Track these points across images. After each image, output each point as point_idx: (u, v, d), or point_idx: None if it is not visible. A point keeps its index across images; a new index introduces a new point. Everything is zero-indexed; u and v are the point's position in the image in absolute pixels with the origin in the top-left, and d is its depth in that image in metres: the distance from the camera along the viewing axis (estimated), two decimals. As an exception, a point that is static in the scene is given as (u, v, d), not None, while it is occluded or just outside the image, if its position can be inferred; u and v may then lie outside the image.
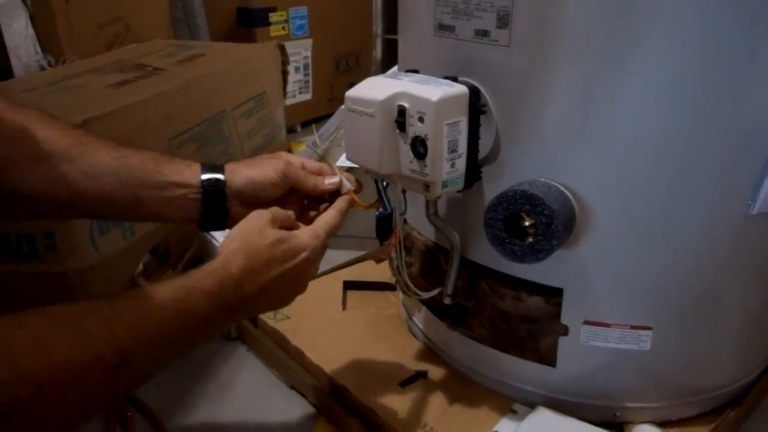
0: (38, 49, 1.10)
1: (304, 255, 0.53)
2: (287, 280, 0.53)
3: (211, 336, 0.51)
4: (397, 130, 0.53)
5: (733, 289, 0.60)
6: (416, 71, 0.58)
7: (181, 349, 0.48)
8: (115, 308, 0.43)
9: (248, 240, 0.52)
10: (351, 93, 0.55)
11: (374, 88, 0.54)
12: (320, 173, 0.62)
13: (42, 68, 1.10)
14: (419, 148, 0.52)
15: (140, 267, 0.79)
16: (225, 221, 0.59)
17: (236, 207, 0.59)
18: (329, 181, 0.61)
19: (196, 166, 0.59)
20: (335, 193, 0.61)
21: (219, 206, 0.58)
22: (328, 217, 0.58)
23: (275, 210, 0.55)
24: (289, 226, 0.56)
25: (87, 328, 0.40)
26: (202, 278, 0.49)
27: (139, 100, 0.80)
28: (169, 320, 0.45)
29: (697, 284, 0.59)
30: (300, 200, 0.63)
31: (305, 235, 0.55)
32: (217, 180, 0.58)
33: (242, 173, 0.59)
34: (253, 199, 0.59)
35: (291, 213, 0.57)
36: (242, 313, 0.52)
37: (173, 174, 0.57)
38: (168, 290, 0.47)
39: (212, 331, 0.50)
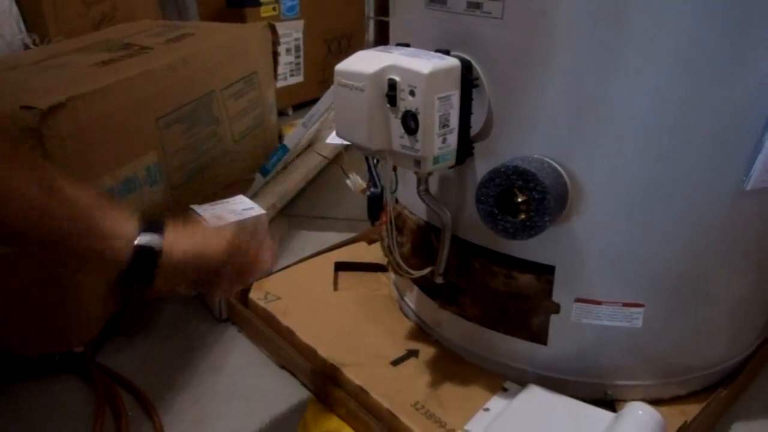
0: (22, 27, 1.07)
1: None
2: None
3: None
4: (388, 105, 0.53)
5: (725, 267, 0.60)
6: (407, 45, 0.57)
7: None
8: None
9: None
10: (341, 67, 0.54)
11: (364, 62, 0.53)
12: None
13: (26, 47, 1.08)
14: (410, 122, 0.52)
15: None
16: (146, 288, 0.52)
17: (171, 281, 0.52)
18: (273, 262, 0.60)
19: (134, 222, 0.50)
20: None
21: (144, 275, 0.50)
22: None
23: None
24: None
25: None
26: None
27: (124, 78, 0.78)
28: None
29: (690, 262, 0.58)
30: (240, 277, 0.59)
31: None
32: (152, 249, 0.50)
33: (182, 245, 0.52)
34: (191, 275, 0.53)
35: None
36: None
37: (105, 226, 0.49)
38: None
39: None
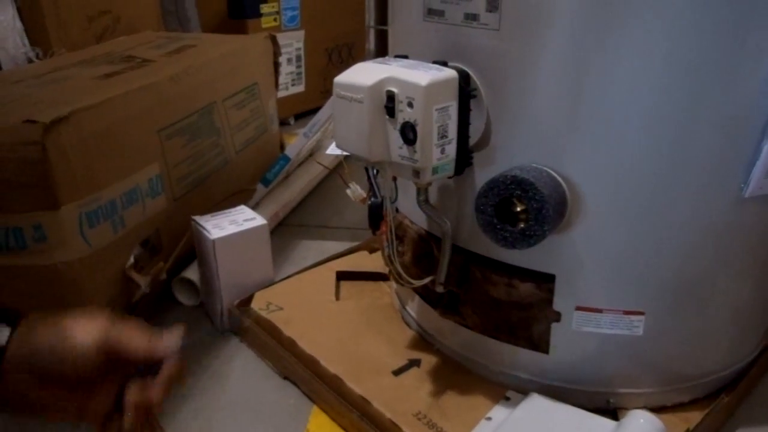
0: (26, 41, 1.08)
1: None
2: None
3: None
4: (387, 116, 0.53)
5: (725, 273, 0.60)
6: (405, 57, 0.58)
7: None
8: None
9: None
10: (339, 79, 0.54)
11: (363, 74, 0.53)
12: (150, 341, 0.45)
13: (30, 61, 1.09)
14: (409, 133, 0.52)
15: (131, 260, 0.79)
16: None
17: (23, 384, 0.41)
18: (168, 344, 0.45)
19: None
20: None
21: None
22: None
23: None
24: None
25: None
26: None
27: (127, 91, 0.79)
28: None
29: (690, 269, 0.59)
30: (124, 375, 0.45)
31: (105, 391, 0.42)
32: None
33: (38, 340, 0.42)
34: (46, 377, 0.42)
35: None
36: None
37: None
38: None
39: None
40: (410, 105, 0.51)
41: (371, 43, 1.95)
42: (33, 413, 0.43)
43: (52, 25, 1.14)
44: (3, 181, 0.65)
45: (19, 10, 1.09)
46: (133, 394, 0.44)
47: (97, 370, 0.43)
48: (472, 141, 0.57)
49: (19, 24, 1.08)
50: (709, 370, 0.66)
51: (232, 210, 0.86)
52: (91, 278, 0.73)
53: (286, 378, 0.75)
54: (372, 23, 1.91)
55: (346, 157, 0.61)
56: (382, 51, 1.95)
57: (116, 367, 0.44)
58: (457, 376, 0.68)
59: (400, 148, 0.53)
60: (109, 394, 0.44)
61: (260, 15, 1.50)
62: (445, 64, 0.55)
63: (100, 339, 0.42)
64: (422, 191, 0.59)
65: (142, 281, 0.79)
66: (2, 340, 0.41)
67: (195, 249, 0.86)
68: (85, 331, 0.42)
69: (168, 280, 0.86)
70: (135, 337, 0.43)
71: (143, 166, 0.81)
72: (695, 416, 0.64)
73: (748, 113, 0.52)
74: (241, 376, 0.76)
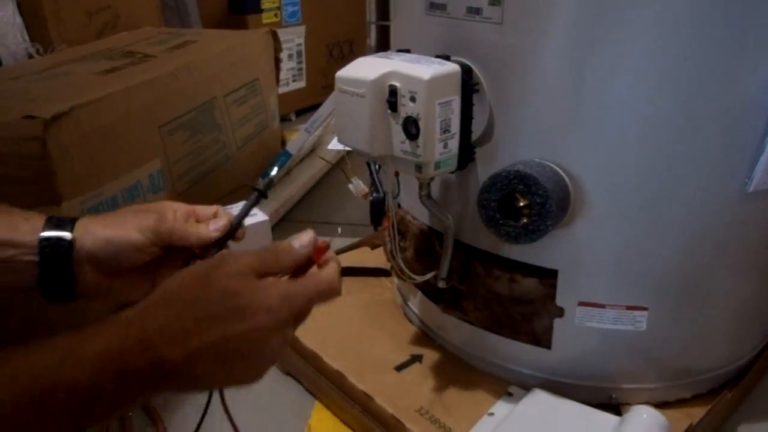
0: (26, 37, 1.08)
1: (263, 320, 0.38)
2: (234, 351, 0.38)
3: (119, 411, 0.38)
4: (389, 111, 0.53)
5: (728, 269, 0.60)
6: (407, 51, 0.58)
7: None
8: None
9: (188, 287, 0.39)
10: (341, 73, 0.54)
11: (365, 68, 0.53)
12: (206, 218, 0.50)
13: (30, 56, 1.09)
14: (411, 128, 0.52)
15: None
16: (73, 290, 0.46)
17: (90, 274, 0.46)
18: (214, 227, 0.49)
19: (38, 220, 0.46)
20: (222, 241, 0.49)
21: (62, 273, 0.45)
22: (318, 277, 0.42)
23: (244, 252, 0.41)
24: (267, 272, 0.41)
25: None
26: (92, 335, 0.36)
27: (127, 87, 0.79)
28: (20, 397, 0.33)
29: (693, 264, 0.58)
30: (187, 258, 0.50)
31: (274, 291, 0.39)
32: (60, 239, 0.45)
33: (97, 232, 0.46)
34: (112, 264, 0.47)
35: (270, 247, 0.42)
36: (161, 387, 0.37)
37: (3, 228, 0.45)
38: (37, 354, 0.35)
39: (117, 408, 0.37)
40: (413, 99, 0.51)
41: (372, 39, 1.95)
42: (109, 300, 0.48)
43: (52, 21, 1.13)
44: (4, 176, 0.65)
45: (19, 6, 1.08)
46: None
47: (152, 258, 0.47)
48: (475, 136, 0.57)
49: (19, 19, 1.07)
50: (712, 365, 0.66)
51: (234, 206, 0.85)
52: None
53: (287, 373, 0.74)
54: (373, 19, 1.90)
55: (348, 152, 0.60)
56: (383, 46, 1.94)
57: (173, 255, 0.48)
58: (459, 371, 0.68)
59: (403, 142, 0.53)
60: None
61: (261, 10, 1.50)
62: (447, 58, 0.54)
63: (151, 232, 0.46)
64: (424, 186, 0.59)
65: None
66: (69, 236, 0.45)
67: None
68: (137, 226, 0.46)
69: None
70: (185, 227, 0.47)
71: (144, 161, 0.81)
72: (698, 412, 0.64)
73: (750, 108, 0.52)
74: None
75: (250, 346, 0.38)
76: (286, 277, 0.42)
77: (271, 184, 0.52)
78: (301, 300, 0.41)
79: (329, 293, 0.42)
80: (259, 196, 0.52)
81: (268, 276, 0.40)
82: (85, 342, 0.36)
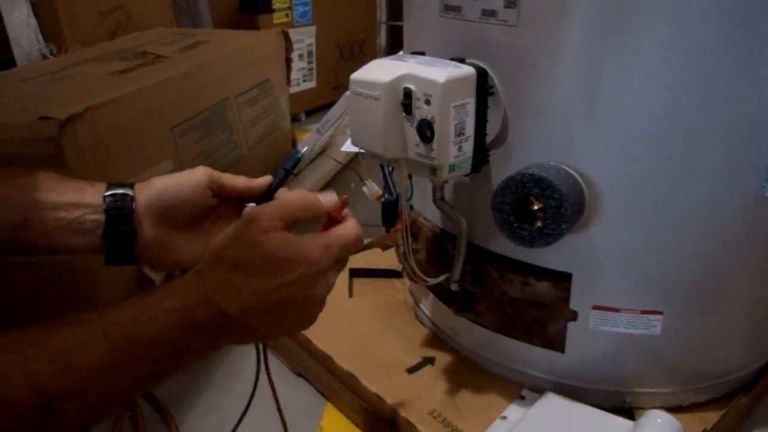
0: (40, 38, 1.09)
1: (304, 270, 0.42)
2: (284, 300, 0.42)
3: (188, 363, 0.41)
4: (403, 113, 0.53)
5: (744, 273, 0.59)
6: (422, 53, 0.57)
7: (142, 383, 0.40)
8: (39, 339, 0.36)
9: (229, 248, 0.42)
10: (356, 76, 0.54)
11: (379, 71, 0.53)
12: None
13: (44, 57, 1.10)
14: (426, 131, 0.52)
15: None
16: (133, 249, 0.49)
17: (149, 228, 0.49)
18: (260, 182, 0.53)
19: (101, 185, 0.49)
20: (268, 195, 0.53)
21: (124, 226, 0.48)
22: (345, 228, 0.46)
23: (269, 204, 0.45)
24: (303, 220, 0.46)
25: None
26: (163, 295, 0.41)
27: (141, 87, 0.79)
28: (111, 350, 0.37)
29: (708, 268, 0.58)
30: (234, 209, 0.53)
31: (310, 244, 0.43)
32: (124, 195, 0.48)
33: (155, 183, 0.50)
34: (172, 213, 0.50)
35: (295, 196, 0.47)
36: (224, 338, 0.42)
37: (71, 192, 0.48)
38: (117, 312, 0.39)
39: (186, 359, 0.41)
40: (427, 102, 0.51)
41: (383, 39, 1.95)
42: (168, 258, 0.50)
43: (66, 21, 1.14)
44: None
45: (33, 7, 1.09)
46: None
47: (207, 203, 0.51)
48: (489, 138, 0.57)
49: (33, 20, 1.08)
50: (726, 370, 0.65)
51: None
52: (104, 274, 0.73)
53: (299, 375, 0.75)
54: (383, 19, 1.90)
55: (361, 153, 0.60)
56: (393, 46, 1.94)
57: (224, 204, 0.52)
58: (471, 374, 0.68)
59: (417, 145, 0.53)
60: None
61: (272, 10, 1.50)
62: (462, 60, 0.54)
63: (204, 176, 0.50)
64: (438, 189, 0.59)
65: (156, 277, 0.79)
66: (131, 192, 0.49)
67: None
68: (192, 173, 0.50)
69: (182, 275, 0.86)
70: (233, 177, 0.52)
71: (157, 162, 0.81)
72: (712, 416, 0.63)
73: (767, 111, 0.51)
74: (254, 373, 0.76)
75: (297, 294, 0.42)
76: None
77: (299, 161, 0.56)
78: (337, 248, 0.45)
79: (358, 243, 0.47)
80: (287, 173, 0.55)
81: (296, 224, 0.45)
82: (157, 302, 0.40)
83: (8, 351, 0.34)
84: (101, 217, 0.48)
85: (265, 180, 0.53)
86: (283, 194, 0.52)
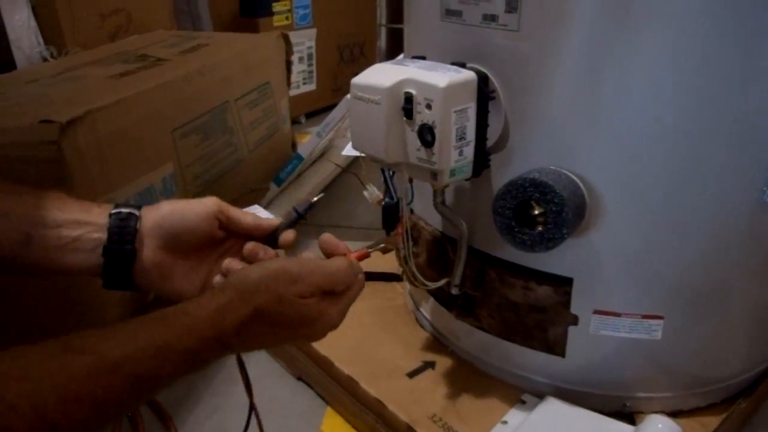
0: (40, 40, 1.09)
1: (320, 327, 0.47)
2: (291, 342, 0.48)
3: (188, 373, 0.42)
4: (404, 118, 0.53)
5: (745, 278, 0.59)
6: (423, 58, 0.57)
7: (133, 407, 0.42)
8: (51, 370, 0.36)
9: (262, 296, 0.43)
10: (357, 80, 0.54)
11: (380, 75, 0.53)
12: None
13: (44, 60, 1.10)
14: (427, 135, 0.52)
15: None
16: (131, 272, 0.48)
17: (151, 250, 0.48)
18: (268, 223, 0.53)
19: (109, 205, 0.49)
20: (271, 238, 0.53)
21: (126, 245, 0.47)
22: (358, 287, 0.50)
23: (315, 272, 0.46)
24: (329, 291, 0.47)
25: (6, 397, 0.33)
26: (181, 333, 0.41)
27: (142, 90, 0.79)
28: (120, 387, 0.38)
29: (709, 273, 0.58)
30: (239, 247, 0.52)
31: (334, 311, 0.47)
32: (129, 214, 0.48)
33: (163, 206, 0.50)
34: (176, 238, 0.49)
35: (338, 268, 0.47)
36: (230, 352, 0.45)
37: (76, 211, 0.47)
38: (130, 345, 0.39)
39: (175, 381, 0.42)
40: (428, 107, 0.51)
41: (383, 42, 1.95)
42: (166, 286, 0.50)
43: (66, 24, 1.14)
44: (19, 180, 0.65)
45: (34, 9, 1.09)
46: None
47: (213, 233, 0.50)
48: (490, 143, 0.57)
49: (33, 23, 1.08)
50: (726, 374, 0.65)
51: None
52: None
53: (299, 379, 0.74)
54: (384, 22, 1.90)
55: (362, 157, 0.60)
56: (393, 49, 1.95)
57: (229, 240, 0.52)
58: (472, 378, 0.68)
59: (418, 150, 0.53)
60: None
61: (272, 13, 1.50)
62: (463, 65, 0.54)
63: (214, 205, 0.50)
64: (439, 193, 0.59)
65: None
66: (137, 212, 0.48)
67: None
68: (201, 201, 0.50)
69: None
70: (242, 212, 0.52)
71: (157, 165, 0.81)
72: (712, 421, 0.63)
73: (767, 117, 0.51)
74: (254, 377, 0.75)
75: (307, 338, 0.48)
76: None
77: (311, 207, 0.55)
78: (348, 306, 0.49)
79: (359, 290, 0.50)
80: (298, 217, 0.54)
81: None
82: (176, 340, 0.40)
83: (21, 379, 0.35)
84: (104, 235, 0.47)
85: (274, 222, 0.53)
86: (329, 264, 0.49)
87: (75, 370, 0.37)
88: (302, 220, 0.54)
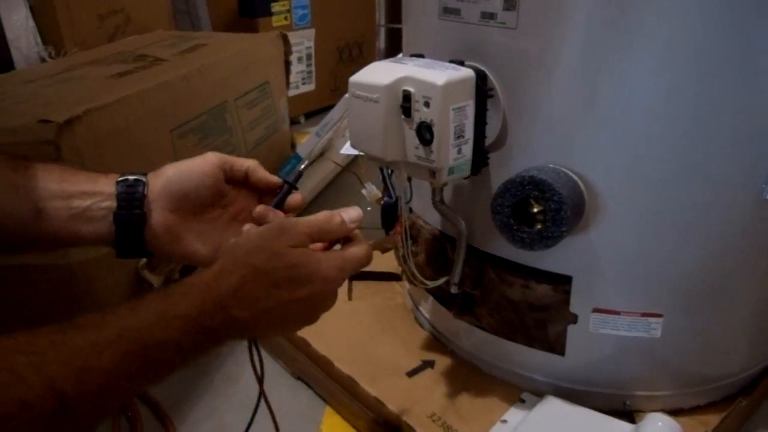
0: (39, 40, 1.09)
1: (320, 287, 0.44)
2: (293, 310, 0.44)
3: (187, 363, 0.42)
4: (403, 116, 0.52)
5: (744, 276, 0.59)
6: (421, 56, 0.57)
7: (146, 383, 0.41)
8: (55, 341, 0.36)
9: (254, 255, 0.43)
10: (355, 78, 0.54)
11: (379, 73, 0.53)
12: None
13: (43, 60, 1.10)
14: (425, 133, 0.51)
15: (144, 259, 0.78)
16: (143, 237, 0.49)
17: (160, 214, 0.49)
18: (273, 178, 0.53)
19: (115, 175, 0.49)
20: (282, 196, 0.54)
21: (135, 210, 0.48)
22: (359, 250, 0.48)
23: (301, 221, 0.46)
24: (316, 241, 0.47)
25: (15, 369, 0.34)
26: (179, 299, 0.41)
27: (140, 90, 0.79)
28: (125, 354, 0.38)
29: (709, 271, 0.58)
30: (248, 201, 0.53)
31: (329, 264, 0.45)
32: (136, 180, 0.49)
33: (167, 169, 0.50)
34: (184, 197, 0.49)
35: (324, 218, 0.47)
36: (229, 338, 0.44)
37: (84, 182, 0.48)
38: (131, 315, 0.40)
39: (188, 359, 0.42)
40: (427, 105, 0.51)
41: (382, 42, 1.95)
42: (179, 249, 0.50)
43: (65, 24, 1.14)
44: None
45: (32, 9, 1.09)
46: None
47: (219, 187, 0.51)
48: (489, 141, 0.57)
49: (31, 23, 1.08)
50: (726, 372, 0.65)
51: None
52: (104, 277, 0.73)
53: (299, 378, 0.74)
54: (383, 21, 1.91)
55: (361, 156, 0.60)
56: (392, 49, 1.95)
57: (238, 200, 0.53)
58: (471, 377, 0.68)
59: (416, 148, 0.53)
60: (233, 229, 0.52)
61: (271, 13, 1.50)
62: (461, 63, 0.54)
63: (216, 158, 0.50)
64: (438, 192, 0.58)
65: (155, 281, 0.79)
66: (143, 178, 0.49)
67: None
68: (203, 157, 0.50)
69: (181, 279, 0.86)
70: (243, 159, 0.52)
71: (156, 165, 0.81)
72: (712, 419, 0.63)
73: (767, 114, 0.51)
74: (253, 376, 0.76)
75: (308, 307, 0.46)
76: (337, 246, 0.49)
77: (300, 175, 0.55)
78: (351, 270, 0.47)
79: (368, 263, 0.49)
80: (290, 187, 0.54)
81: (320, 243, 0.47)
82: (172, 306, 0.41)
83: (27, 353, 0.35)
84: (113, 203, 0.48)
85: (277, 180, 0.53)
86: (315, 215, 0.49)
87: (78, 341, 0.37)
88: (294, 189, 0.54)
